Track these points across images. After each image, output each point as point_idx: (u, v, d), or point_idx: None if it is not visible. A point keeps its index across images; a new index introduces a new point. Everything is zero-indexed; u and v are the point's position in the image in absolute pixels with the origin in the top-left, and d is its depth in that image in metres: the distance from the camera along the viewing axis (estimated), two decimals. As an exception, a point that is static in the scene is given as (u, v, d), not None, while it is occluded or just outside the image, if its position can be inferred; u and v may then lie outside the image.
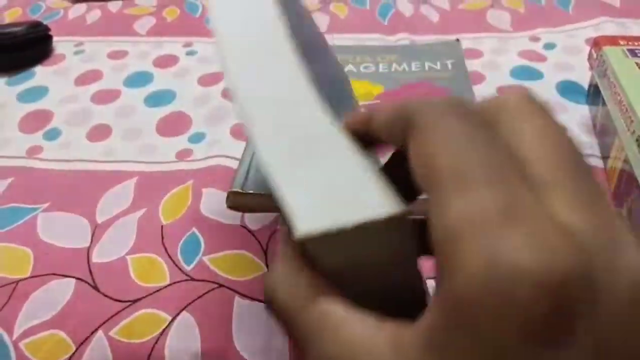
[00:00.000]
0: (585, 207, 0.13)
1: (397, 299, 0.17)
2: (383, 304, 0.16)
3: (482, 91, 0.47)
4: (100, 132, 0.46)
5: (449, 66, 0.49)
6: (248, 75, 0.20)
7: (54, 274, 0.33)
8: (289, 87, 0.19)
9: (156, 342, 0.29)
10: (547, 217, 0.12)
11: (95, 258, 0.34)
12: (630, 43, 0.42)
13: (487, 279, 0.11)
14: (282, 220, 0.17)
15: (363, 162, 0.17)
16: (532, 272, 0.11)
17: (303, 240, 0.15)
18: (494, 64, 0.51)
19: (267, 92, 0.19)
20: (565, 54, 0.52)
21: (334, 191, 0.16)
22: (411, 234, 0.16)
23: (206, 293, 0.32)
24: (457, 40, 0.53)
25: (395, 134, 0.16)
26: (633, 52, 0.40)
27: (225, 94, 0.49)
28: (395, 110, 0.16)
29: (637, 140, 0.33)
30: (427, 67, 0.49)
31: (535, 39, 0.55)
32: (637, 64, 0.39)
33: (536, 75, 0.49)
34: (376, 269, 0.16)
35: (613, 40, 0.42)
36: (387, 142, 0.17)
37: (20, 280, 0.33)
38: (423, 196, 0.15)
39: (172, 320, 0.30)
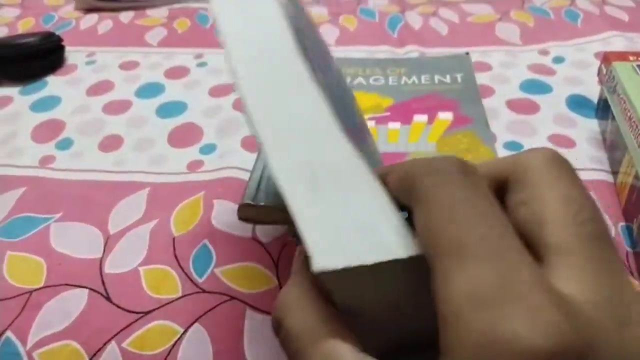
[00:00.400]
0: (594, 278, 0.13)
1: (409, 340, 0.17)
2: (394, 343, 0.16)
3: (492, 104, 0.47)
4: (111, 143, 0.46)
5: (459, 79, 0.49)
6: (263, 95, 0.19)
7: (67, 284, 0.34)
8: (306, 109, 0.19)
9: (168, 354, 0.30)
10: (546, 291, 0.12)
11: (107, 269, 0.34)
12: (640, 59, 0.42)
13: (484, 357, 0.12)
14: (298, 239, 0.17)
15: (384, 199, 0.16)
16: (527, 349, 0.11)
17: (320, 274, 0.15)
18: (504, 77, 0.51)
19: (284, 114, 0.19)
20: (575, 68, 0.52)
21: (355, 226, 0.16)
22: (427, 278, 0.16)
23: (218, 305, 0.32)
24: (467, 53, 0.54)
25: (403, 197, 0.16)
26: (643, 68, 0.40)
27: (236, 105, 0.50)
28: (400, 179, 0.16)
29: (648, 156, 0.33)
30: (436, 80, 0.49)
31: (544, 52, 0.55)
32: (647, 79, 0.39)
33: (545, 89, 0.49)
34: (390, 308, 0.16)
35: (623, 56, 0.42)
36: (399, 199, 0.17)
37: (34, 290, 0.33)
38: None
39: (184, 333, 0.31)
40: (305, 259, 0.17)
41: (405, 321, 0.17)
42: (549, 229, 0.14)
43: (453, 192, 0.14)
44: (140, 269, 0.34)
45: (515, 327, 0.11)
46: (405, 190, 0.16)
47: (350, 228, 0.16)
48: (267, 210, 0.37)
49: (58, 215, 0.39)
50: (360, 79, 0.51)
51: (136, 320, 0.31)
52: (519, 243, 0.13)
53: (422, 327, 0.17)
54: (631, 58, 0.42)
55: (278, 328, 0.17)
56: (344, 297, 0.16)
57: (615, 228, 0.35)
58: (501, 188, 0.17)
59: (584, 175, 0.39)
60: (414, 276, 0.15)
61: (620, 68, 0.41)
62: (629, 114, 0.37)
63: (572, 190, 0.15)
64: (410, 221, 0.16)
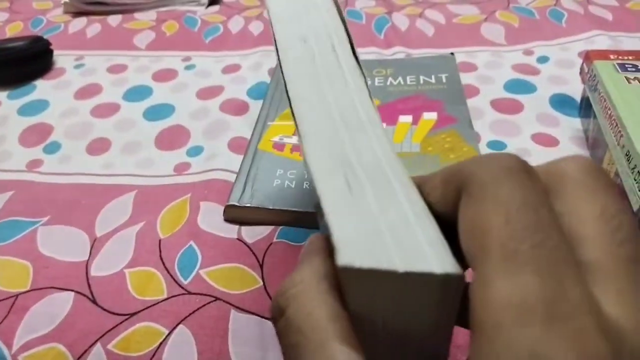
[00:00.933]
0: (636, 300, 0.12)
1: (416, 357, 0.16)
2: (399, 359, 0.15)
3: (476, 104, 0.48)
4: (99, 146, 0.47)
5: (444, 79, 0.50)
6: (308, 90, 0.19)
7: (53, 288, 0.34)
8: (350, 102, 0.18)
9: (153, 356, 0.30)
10: (592, 314, 0.12)
11: (93, 272, 0.35)
12: (620, 57, 0.42)
13: None
14: (322, 228, 0.16)
15: (422, 206, 0.15)
16: None
17: (345, 269, 0.14)
18: (488, 77, 0.52)
19: (327, 104, 0.18)
20: (559, 68, 0.52)
21: (389, 228, 0.14)
22: (454, 300, 0.15)
23: (203, 306, 0.32)
24: (452, 54, 0.54)
25: (448, 198, 0.15)
26: (623, 67, 0.41)
27: (223, 107, 0.50)
28: (451, 172, 0.15)
29: (626, 154, 0.34)
30: (422, 81, 0.50)
31: (529, 52, 0.55)
32: (627, 78, 0.40)
33: (530, 88, 0.50)
34: (406, 323, 0.15)
35: (604, 55, 0.43)
36: (436, 209, 0.16)
37: (20, 293, 0.34)
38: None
39: (169, 334, 0.31)
40: (321, 250, 0.16)
41: (415, 344, 0.16)
42: (586, 246, 0.13)
43: (514, 191, 0.13)
44: (126, 271, 0.34)
45: (557, 350, 0.11)
46: (454, 182, 0.15)
47: (384, 229, 0.14)
48: (252, 211, 0.37)
49: (45, 219, 0.39)
50: (346, 80, 0.51)
51: (121, 322, 0.31)
52: (572, 257, 0.12)
53: (432, 349, 0.16)
54: (612, 57, 0.43)
55: (279, 316, 0.15)
56: (359, 302, 0.15)
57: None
58: None
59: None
60: (442, 297, 0.14)
61: (601, 67, 0.41)
62: (609, 112, 0.38)
63: (610, 205, 0.14)
64: (445, 235, 0.15)
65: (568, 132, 0.44)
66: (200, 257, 0.35)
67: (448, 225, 0.15)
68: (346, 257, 0.14)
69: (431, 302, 0.14)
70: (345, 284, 0.14)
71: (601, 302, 0.12)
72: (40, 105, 0.53)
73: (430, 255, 0.14)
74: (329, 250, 0.16)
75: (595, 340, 0.11)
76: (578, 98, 0.47)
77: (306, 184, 0.38)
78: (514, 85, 0.50)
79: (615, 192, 0.14)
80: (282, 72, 0.20)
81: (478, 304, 0.12)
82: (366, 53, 0.58)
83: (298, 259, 0.17)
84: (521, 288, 0.12)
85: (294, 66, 0.20)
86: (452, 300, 0.15)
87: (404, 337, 0.15)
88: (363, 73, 0.20)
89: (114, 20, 0.68)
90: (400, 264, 0.14)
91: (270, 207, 0.37)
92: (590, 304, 0.12)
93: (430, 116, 0.45)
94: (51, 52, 0.60)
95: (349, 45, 0.21)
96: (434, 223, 0.15)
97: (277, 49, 0.21)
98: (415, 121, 0.44)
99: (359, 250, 0.14)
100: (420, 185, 0.16)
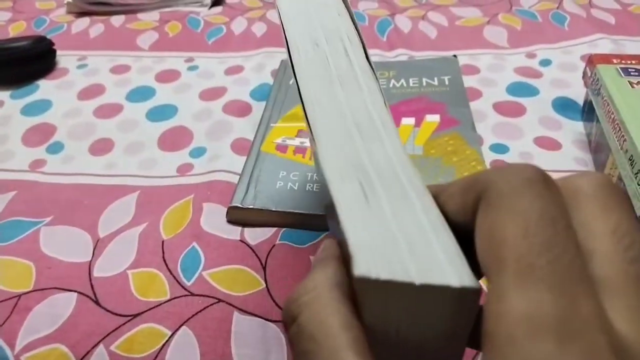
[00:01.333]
0: None
1: None
2: None
3: (479, 107, 0.48)
4: (102, 146, 0.47)
5: (446, 82, 0.50)
6: (321, 93, 0.18)
7: (55, 288, 0.34)
8: (364, 105, 0.18)
9: (156, 357, 0.30)
10: (604, 333, 0.12)
11: (96, 272, 0.35)
12: (623, 61, 0.42)
13: None
14: (333, 229, 0.16)
15: (439, 217, 0.15)
16: None
17: (361, 280, 0.13)
18: (491, 80, 0.52)
19: (340, 108, 0.18)
20: (561, 71, 0.53)
21: (406, 238, 0.14)
22: (470, 313, 0.14)
23: (205, 308, 0.32)
24: (455, 56, 0.54)
25: (466, 207, 0.15)
26: (626, 71, 0.41)
27: (226, 109, 0.50)
28: (470, 181, 0.15)
29: (629, 158, 0.34)
30: (424, 83, 0.50)
31: (531, 55, 0.56)
32: (630, 82, 0.40)
33: (532, 91, 0.50)
34: (420, 334, 0.15)
35: (607, 59, 0.43)
36: (453, 218, 0.16)
37: (23, 294, 0.34)
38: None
39: (172, 335, 0.31)
40: (334, 257, 0.16)
41: (428, 356, 0.16)
42: (597, 261, 0.13)
43: (533, 202, 0.13)
44: (129, 272, 0.34)
45: None
46: (473, 191, 0.14)
47: (400, 238, 0.14)
48: (255, 212, 0.37)
49: (48, 219, 0.39)
50: (349, 82, 0.51)
51: (124, 324, 0.32)
52: (586, 273, 0.12)
53: None
54: (615, 61, 0.43)
55: (291, 322, 0.15)
56: (374, 312, 0.14)
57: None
58: None
59: (568, 177, 0.40)
60: (458, 309, 0.14)
61: (604, 71, 0.41)
62: (612, 116, 0.38)
63: (623, 222, 0.14)
64: (461, 245, 0.15)
65: (571, 136, 0.44)
66: (203, 258, 0.35)
67: (464, 235, 0.15)
68: (362, 267, 0.13)
69: (446, 314, 0.14)
70: (360, 294, 0.14)
71: (611, 318, 0.12)
72: (43, 105, 0.53)
73: (447, 267, 0.14)
74: (343, 257, 0.16)
75: (606, 358, 0.11)
76: (581, 101, 0.47)
77: (314, 185, 0.38)
78: (516, 88, 0.50)
79: (630, 210, 0.14)
80: (294, 74, 0.20)
81: (492, 317, 0.12)
82: (369, 55, 0.57)
83: (312, 264, 0.17)
84: (535, 304, 0.12)
85: (306, 69, 0.19)
86: (468, 312, 0.14)
87: (417, 348, 0.15)
88: (376, 77, 0.20)
89: (117, 20, 0.68)
90: (417, 276, 0.13)
91: (273, 209, 0.37)
92: (602, 321, 0.12)
93: (432, 118, 0.45)
94: (54, 52, 0.60)
95: (361, 49, 0.20)
96: (450, 233, 0.15)
97: (288, 51, 0.21)
98: (417, 123, 0.44)
99: (375, 261, 0.14)
100: (437, 194, 0.16)
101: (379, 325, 0.15)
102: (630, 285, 0.13)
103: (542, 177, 0.14)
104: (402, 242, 0.14)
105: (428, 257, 0.14)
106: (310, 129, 0.18)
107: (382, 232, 0.14)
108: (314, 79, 0.19)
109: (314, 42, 0.21)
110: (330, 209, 0.16)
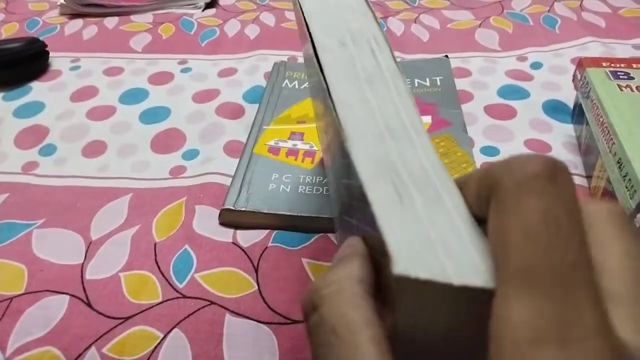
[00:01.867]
0: None
1: None
2: None
3: (470, 109, 0.48)
4: (95, 148, 0.47)
5: (438, 82, 0.50)
6: (351, 94, 0.18)
7: (48, 291, 0.34)
8: (393, 105, 0.18)
9: (148, 359, 0.30)
10: (606, 338, 0.12)
11: (89, 275, 0.35)
12: (612, 65, 0.43)
13: None
14: (341, 231, 0.16)
15: (469, 216, 0.15)
16: None
17: (400, 279, 0.13)
18: (482, 83, 0.52)
19: (370, 109, 0.18)
20: (552, 74, 0.53)
21: (441, 238, 0.14)
22: None
23: (197, 310, 0.32)
24: (446, 56, 0.54)
25: (481, 203, 0.15)
26: (615, 74, 0.41)
27: (219, 111, 0.50)
28: (482, 175, 0.15)
29: (618, 161, 0.34)
30: (416, 84, 0.50)
31: (522, 58, 0.56)
32: (619, 85, 0.40)
33: (523, 94, 0.50)
34: (448, 335, 0.15)
35: (596, 62, 0.43)
36: (476, 213, 0.16)
37: (15, 296, 0.34)
38: None
39: (163, 338, 0.31)
40: (359, 253, 0.16)
41: (452, 358, 0.16)
42: (608, 277, 0.13)
43: (536, 202, 0.13)
44: (121, 274, 0.35)
45: None
46: (484, 191, 0.14)
47: (435, 240, 0.14)
48: (248, 215, 0.37)
49: (40, 222, 0.39)
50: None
51: (116, 326, 0.32)
52: (591, 276, 0.12)
53: None
54: (604, 64, 0.43)
55: (311, 311, 0.15)
56: (406, 311, 0.14)
57: (588, 231, 0.36)
58: None
59: (558, 179, 0.40)
60: (489, 312, 0.14)
61: (594, 74, 0.42)
62: (601, 119, 0.38)
63: (636, 245, 0.14)
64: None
65: (561, 138, 0.45)
66: (195, 261, 0.35)
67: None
68: (402, 267, 0.14)
69: (478, 316, 0.14)
70: (397, 293, 0.14)
71: (617, 326, 0.12)
72: (36, 107, 0.53)
73: (482, 268, 0.14)
74: (372, 255, 0.16)
75: None
76: (571, 104, 0.47)
77: (306, 188, 0.39)
78: (507, 91, 0.51)
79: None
80: (322, 73, 0.19)
81: (498, 321, 0.12)
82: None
83: (334, 258, 0.17)
84: (536, 310, 0.12)
85: (335, 68, 0.19)
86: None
87: (443, 348, 0.15)
88: (404, 79, 0.20)
89: (110, 22, 0.68)
90: (455, 277, 0.14)
91: (266, 211, 0.37)
92: (606, 327, 0.12)
93: (424, 120, 0.45)
94: (47, 53, 0.60)
95: (388, 50, 0.20)
96: (482, 233, 0.15)
97: (314, 50, 0.20)
98: (409, 126, 0.45)
99: (414, 261, 0.14)
100: (460, 189, 0.16)
101: (409, 324, 0.15)
102: (635, 292, 0.13)
103: (549, 173, 0.13)
104: (438, 244, 0.14)
105: (464, 259, 0.14)
106: (343, 130, 0.17)
107: (418, 233, 0.14)
108: (343, 78, 0.19)
109: (340, 41, 0.21)
110: (357, 209, 0.16)
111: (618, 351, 0.12)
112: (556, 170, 0.13)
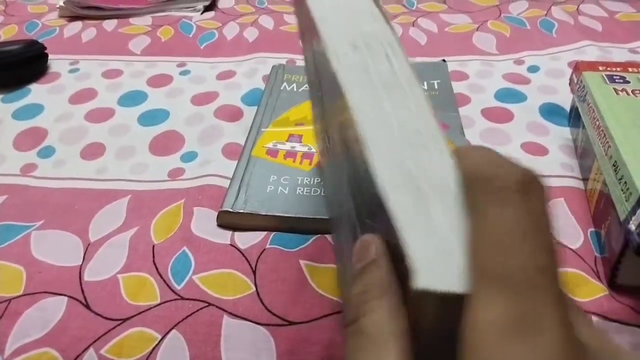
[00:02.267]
0: (602, 335, 0.14)
1: None
2: None
3: (467, 113, 0.48)
4: (94, 151, 0.47)
5: (436, 86, 0.50)
6: (366, 99, 0.18)
7: (46, 292, 0.34)
8: (412, 113, 0.17)
9: (146, 360, 0.30)
10: (569, 330, 0.12)
11: (87, 276, 0.35)
12: (609, 69, 0.43)
13: None
14: (338, 237, 0.16)
15: None
16: None
17: (422, 293, 0.14)
18: (479, 86, 0.53)
19: (390, 121, 0.17)
20: (549, 77, 0.53)
21: (459, 250, 0.14)
22: None
23: (195, 312, 0.32)
24: (444, 60, 0.55)
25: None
26: (611, 78, 0.42)
27: (218, 113, 0.50)
28: (464, 175, 0.16)
29: (614, 165, 0.35)
30: (414, 89, 0.50)
31: (519, 62, 0.56)
32: (615, 89, 0.40)
33: (520, 97, 0.50)
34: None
35: (593, 66, 0.44)
36: None
37: (13, 298, 0.34)
38: None
39: (162, 339, 0.31)
40: (385, 257, 0.17)
41: None
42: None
43: (503, 212, 0.14)
44: (119, 276, 0.35)
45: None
46: (462, 192, 0.15)
47: (456, 251, 0.14)
48: (246, 217, 0.37)
49: (39, 224, 0.39)
50: (340, 88, 0.51)
51: (114, 327, 0.32)
52: (557, 281, 0.13)
53: None
54: (600, 68, 0.43)
55: (352, 322, 0.16)
56: (427, 323, 0.14)
57: (585, 234, 0.36)
58: None
59: (555, 182, 0.41)
60: None
61: (590, 77, 0.42)
62: (597, 123, 0.38)
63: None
64: None
65: (557, 141, 0.45)
66: (193, 262, 0.35)
67: None
68: (424, 280, 0.14)
69: None
70: (419, 305, 0.14)
71: (578, 330, 0.13)
72: (35, 110, 0.53)
73: None
74: (392, 258, 0.16)
75: (567, 350, 0.12)
76: (568, 107, 0.48)
77: (304, 189, 0.39)
78: (504, 95, 0.51)
79: None
80: (336, 76, 0.19)
81: (467, 325, 0.13)
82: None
83: (354, 258, 0.18)
84: (498, 311, 0.13)
85: (348, 71, 0.19)
86: None
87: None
88: (421, 84, 0.20)
89: (109, 25, 0.69)
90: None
91: (264, 213, 0.37)
92: (569, 322, 0.13)
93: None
94: (46, 56, 0.60)
95: (403, 55, 0.20)
96: None
97: (326, 52, 0.20)
98: (407, 129, 0.45)
99: (435, 274, 0.14)
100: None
101: (430, 336, 0.15)
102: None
103: (519, 186, 0.14)
104: (458, 255, 0.14)
105: None
106: (358, 135, 0.17)
107: (439, 245, 0.14)
108: (357, 83, 0.19)
109: (352, 44, 0.20)
110: (373, 214, 0.16)
111: (580, 342, 0.13)
112: (529, 182, 0.14)
